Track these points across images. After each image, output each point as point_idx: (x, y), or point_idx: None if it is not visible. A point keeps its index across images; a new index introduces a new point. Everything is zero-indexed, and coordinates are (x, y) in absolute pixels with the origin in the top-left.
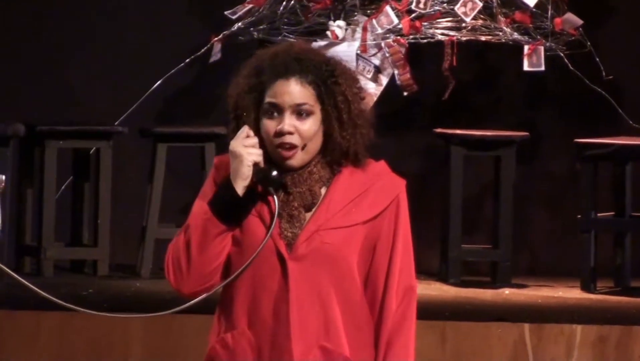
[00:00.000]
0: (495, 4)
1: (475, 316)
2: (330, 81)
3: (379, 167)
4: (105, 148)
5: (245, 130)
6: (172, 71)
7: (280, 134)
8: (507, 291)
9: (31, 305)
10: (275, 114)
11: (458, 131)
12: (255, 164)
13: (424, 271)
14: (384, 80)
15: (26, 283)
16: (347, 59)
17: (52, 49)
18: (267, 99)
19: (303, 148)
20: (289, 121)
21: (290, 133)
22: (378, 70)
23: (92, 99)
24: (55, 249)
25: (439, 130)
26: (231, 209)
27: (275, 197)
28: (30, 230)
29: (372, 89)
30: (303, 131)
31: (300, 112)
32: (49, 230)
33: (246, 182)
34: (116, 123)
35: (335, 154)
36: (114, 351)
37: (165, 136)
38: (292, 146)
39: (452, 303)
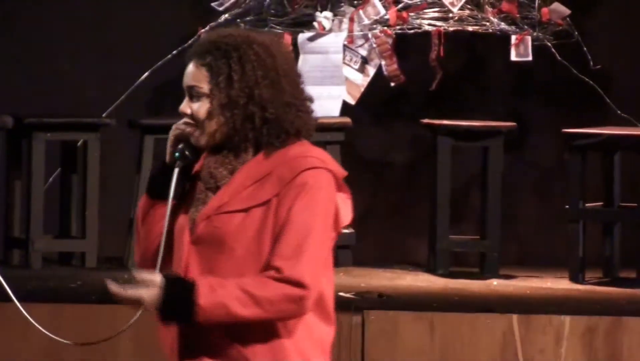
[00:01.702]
0: None
1: (464, 307)
2: (223, 63)
3: (298, 151)
4: (93, 140)
5: None
6: (160, 62)
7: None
8: (495, 282)
9: (19, 296)
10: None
11: (445, 122)
12: (178, 141)
13: (412, 262)
14: (371, 71)
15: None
16: (334, 50)
17: (40, 40)
18: None
19: (198, 127)
20: (185, 102)
21: (186, 114)
22: (365, 61)
23: (80, 91)
24: (43, 242)
25: (426, 121)
26: (152, 183)
27: (175, 171)
28: (18, 222)
29: (359, 80)
30: (193, 112)
31: (191, 94)
32: (37, 222)
33: (167, 157)
34: (104, 115)
35: (235, 138)
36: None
37: (153, 127)
38: (191, 126)
39: (441, 294)
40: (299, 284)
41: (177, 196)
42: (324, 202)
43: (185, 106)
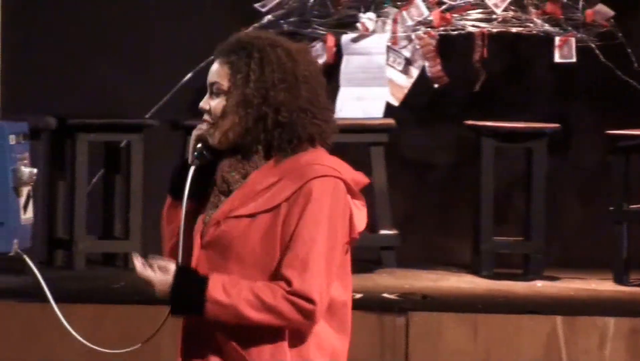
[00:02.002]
0: None
1: (508, 308)
2: (243, 64)
3: (309, 158)
4: (136, 141)
5: None
6: (203, 63)
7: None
8: (539, 284)
9: (64, 297)
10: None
11: (489, 123)
12: (199, 140)
13: (456, 264)
14: (415, 72)
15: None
16: (378, 51)
17: (84, 42)
18: None
19: (213, 124)
20: (205, 98)
21: (205, 110)
22: (408, 62)
23: (123, 92)
24: (86, 243)
25: (469, 122)
26: (173, 182)
27: (191, 170)
28: (61, 223)
29: (403, 82)
30: (212, 108)
31: (212, 90)
32: (80, 223)
33: (190, 157)
34: (147, 116)
35: (247, 140)
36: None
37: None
38: (207, 122)
39: (484, 296)
40: (307, 299)
41: (196, 196)
42: (330, 211)
43: (205, 102)
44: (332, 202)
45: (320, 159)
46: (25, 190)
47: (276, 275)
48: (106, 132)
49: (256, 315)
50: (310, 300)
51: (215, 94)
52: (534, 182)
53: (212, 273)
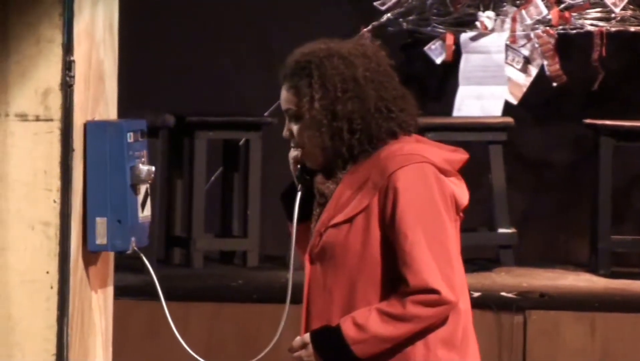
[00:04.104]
0: None
1: (626, 307)
2: (304, 82)
3: (388, 152)
4: (255, 139)
5: None
6: None
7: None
8: None
9: (181, 295)
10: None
11: (607, 122)
12: (297, 163)
13: (573, 262)
14: (534, 71)
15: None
16: (497, 50)
17: (203, 40)
18: None
19: (300, 150)
20: (286, 126)
21: (287, 138)
22: (527, 61)
23: (243, 90)
24: (204, 241)
25: (588, 121)
26: (283, 205)
27: (298, 193)
28: (179, 221)
29: (522, 80)
30: (295, 134)
31: (290, 116)
32: (198, 221)
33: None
34: (265, 114)
35: (330, 153)
36: (263, 340)
37: None
38: (297, 148)
39: (602, 294)
40: (428, 291)
41: (305, 218)
42: (422, 197)
43: (286, 130)
44: (423, 187)
45: (400, 149)
46: (143, 188)
47: (386, 275)
48: (225, 130)
49: (397, 331)
50: (431, 290)
51: (291, 119)
52: None
53: (318, 287)
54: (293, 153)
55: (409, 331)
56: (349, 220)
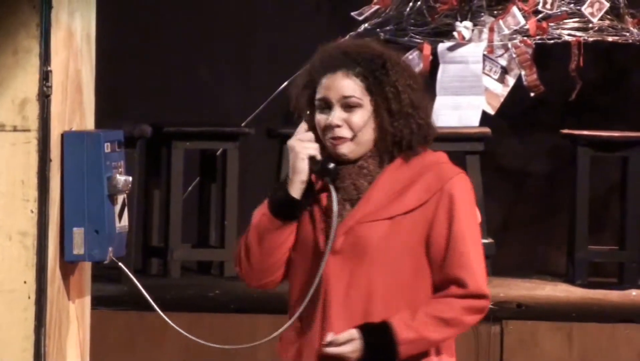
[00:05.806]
0: (622, 5)
1: (603, 317)
2: (379, 73)
3: (433, 158)
4: (232, 149)
5: (302, 126)
6: (299, 72)
7: (330, 127)
8: (634, 293)
9: (158, 305)
10: (326, 108)
11: (585, 132)
12: (311, 158)
13: (551, 272)
14: (511, 81)
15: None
16: (474, 60)
17: (181, 51)
18: (318, 95)
19: (353, 139)
20: (337, 114)
21: (339, 126)
22: (505, 71)
23: (220, 101)
24: (182, 251)
25: (565, 131)
26: (284, 205)
27: (332, 187)
28: (157, 231)
29: (499, 90)
30: (352, 123)
31: (347, 104)
32: (176, 231)
33: (302, 176)
34: (243, 124)
35: (386, 144)
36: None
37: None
38: (342, 138)
39: (579, 305)
40: (481, 296)
41: (293, 217)
42: (472, 207)
43: (337, 118)
44: (471, 197)
45: (441, 157)
46: (120, 198)
47: (444, 279)
48: (202, 140)
49: (442, 335)
50: (483, 296)
51: (351, 107)
52: (630, 191)
53: (342, 282)
54: (309, 149)
55: (450, 336)
56: (391, 218)
